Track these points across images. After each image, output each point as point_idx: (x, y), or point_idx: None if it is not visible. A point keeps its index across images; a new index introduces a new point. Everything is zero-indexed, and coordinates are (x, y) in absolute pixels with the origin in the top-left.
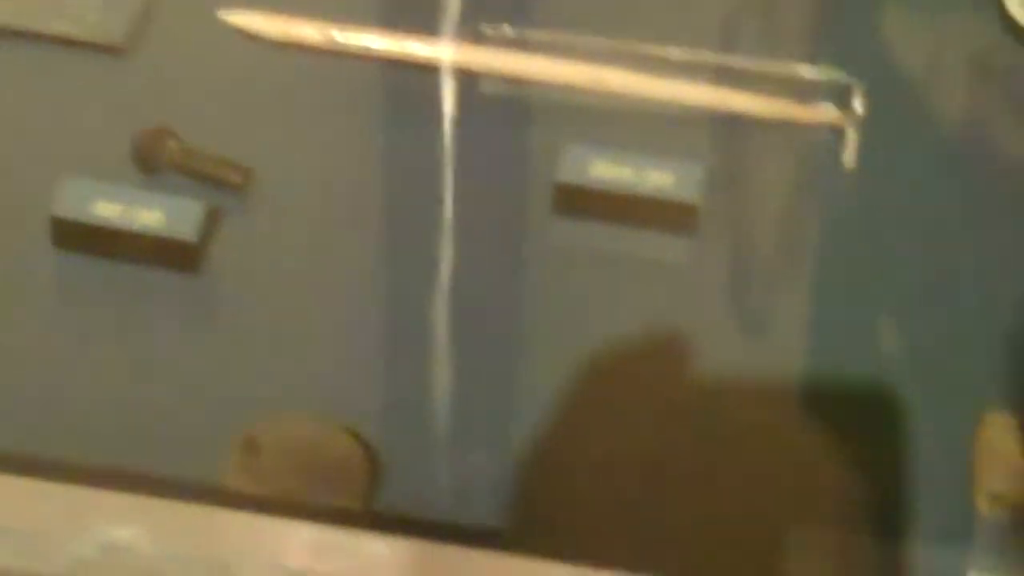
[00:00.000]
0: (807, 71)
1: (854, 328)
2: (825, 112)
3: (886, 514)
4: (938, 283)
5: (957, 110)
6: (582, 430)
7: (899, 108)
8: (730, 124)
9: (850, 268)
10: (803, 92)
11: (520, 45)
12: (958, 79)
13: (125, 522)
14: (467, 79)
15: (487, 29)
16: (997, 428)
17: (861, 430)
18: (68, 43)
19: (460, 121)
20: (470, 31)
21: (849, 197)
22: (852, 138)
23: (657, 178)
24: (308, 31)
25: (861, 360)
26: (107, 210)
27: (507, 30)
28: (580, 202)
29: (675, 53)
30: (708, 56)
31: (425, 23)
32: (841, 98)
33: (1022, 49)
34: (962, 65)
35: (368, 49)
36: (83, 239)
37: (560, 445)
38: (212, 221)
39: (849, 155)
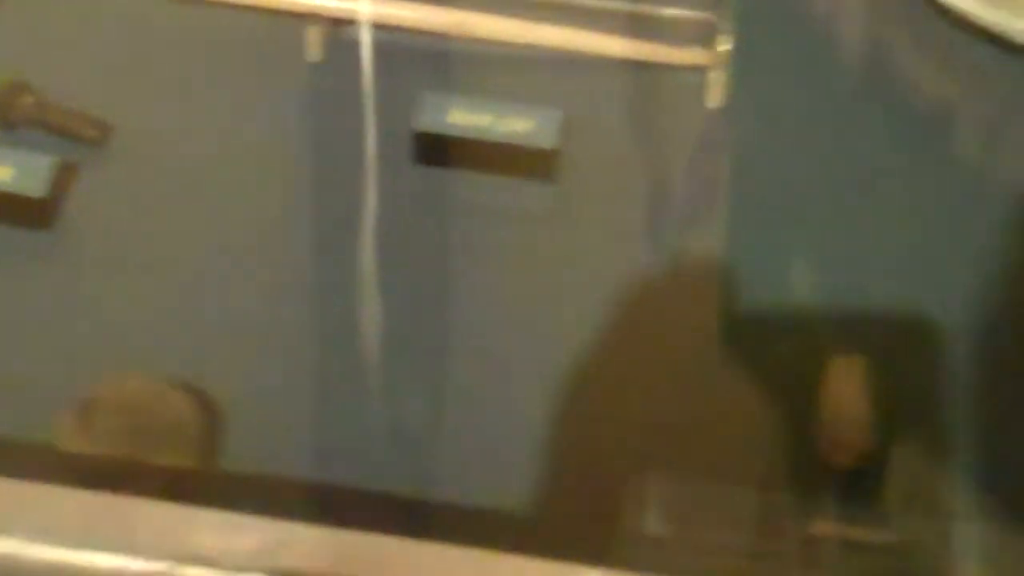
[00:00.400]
0: (673, 11)
1: (711, 272)
2: (691, 53)
3: (735, 462)
4: (796, 225)
5: (827, 47)
6: (439, 382)
7: (768, 47)
8: (594, 68)
9: (708, 214)
10: (670, 33)
11: None
12: (830, 18)
13: None
14: (333, 27)
15: None
16: (842, 373)
17: (714, 377)
18: None
19: (323, 70)
20: None
21: (713, 137)
22: (716, 78)
23: (516, 124)
24: None
25: (717, 305)
26: None
27: None
28: (439, 150)
29: None
30: None
31: None
32: (708, 38)
33: None
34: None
35: None
36: None
37: (420, 399)
38: (64, 176)
39: (713, 95)
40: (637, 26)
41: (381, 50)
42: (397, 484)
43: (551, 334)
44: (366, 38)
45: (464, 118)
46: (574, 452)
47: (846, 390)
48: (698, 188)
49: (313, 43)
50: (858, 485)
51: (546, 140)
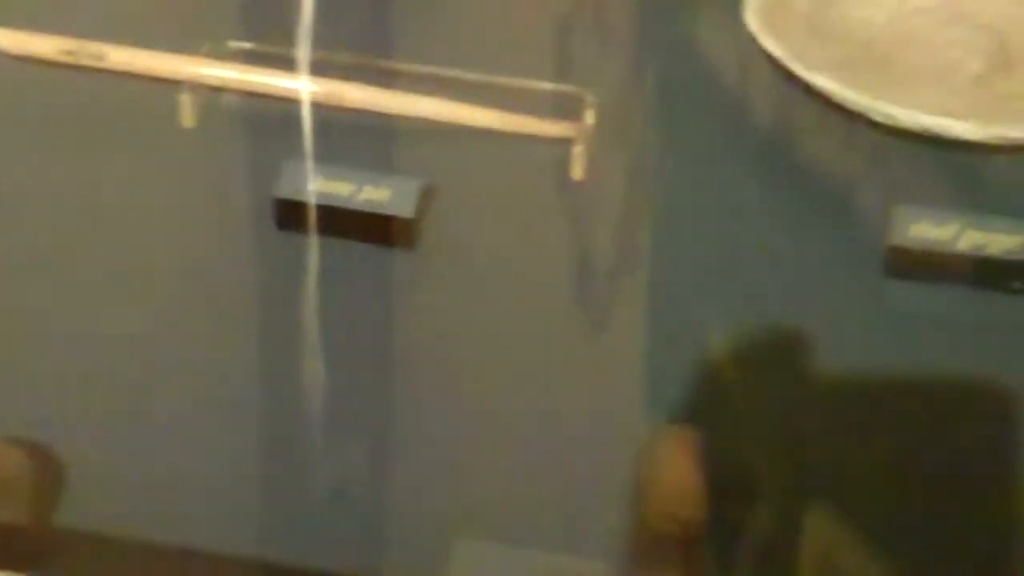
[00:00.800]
0: (543, 85)
1: (567, 339)
2: (557, 126)
3: (554, 528)
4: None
5: (692, 121)
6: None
7: (635, 120)
8: (462, 138)
9: (567, 281)
10: (541, 106)
11: (264, 60)
12: (697, 89)
13: None
14: (209, 93)
15: (232, 45)
16: (668, 444)
17: (537, 447)
18: None
19: (194, 136)
20: (215, 47)
21: (577, 208)
22: (581, 150)
23: (374, 193)
24: (47, 45)
25: (555, 373)
26: None
27: (250, 46)
28: (300, 217)
29: (412, 68)
30: (443, 70)
31: (171, 39)
32: (576, 111)
33: (759, 58)
34: (701, 76)
35: (110, 63)
36: None
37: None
38: None
39: (578, 167)
40: (505, 98)
41: (254, 117)
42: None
43: (409, 400)
44: (235, 105)
45: (324, 186)
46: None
47: (673, 460)
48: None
49: (186, 109)
50: (688, 557)
51: (404, 209)
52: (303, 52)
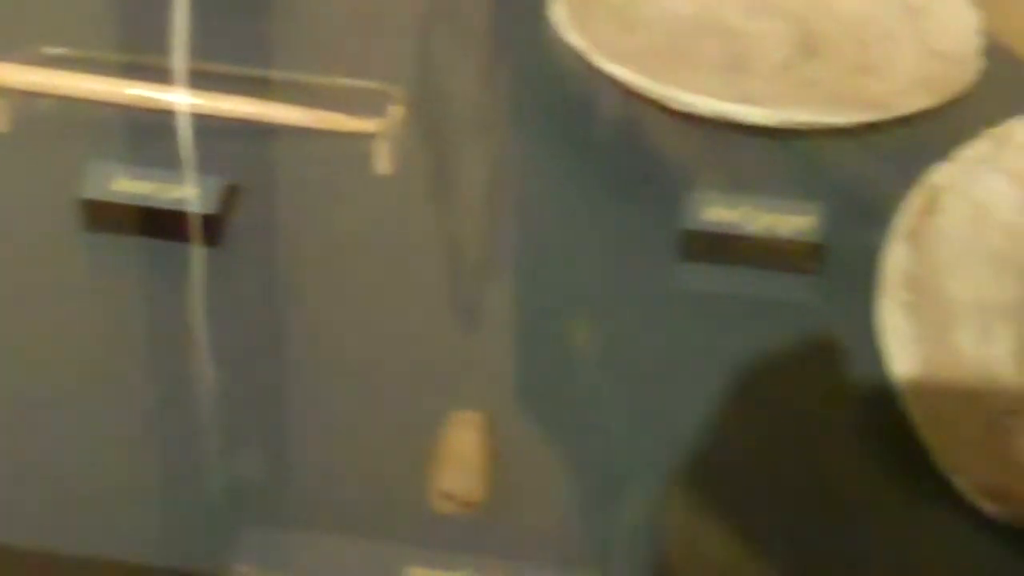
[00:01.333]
0: (349, 82)
1: (369, 330)
2: (362, 121)
3: (342, 510)
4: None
5: (499, 112)
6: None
7: (442, 116)
8: (269, 136)
9: (371, 273)
10: (349, 103)
11: (77, 65)
12: (505, 82)
13: None
14: (22, 99)
15: (45, 51)
16: (460, 425)
17: (334, 437)
18: None
19: (5, 141)
20: (29, 53)
21: (384, 203)
22: (384, 144)
23: (178, 191)
24: None
25: (356, 364)
26: None
27: (64, 52)
28: (106, 217)
29: (220, 68)
30: (252, 70)
31: None
32: (381, 107)
33: (567, 50)
34: (510, 68)
35: None
36: None
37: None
38: None
39: (383, 161)
40: (311, 95)
41: (66, 121)
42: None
43: (214, 392)
44: (47, 110)
45: (128, 185)
46: None
47: (462, 441)
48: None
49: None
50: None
51: (208, 206)
52: (114, 56)
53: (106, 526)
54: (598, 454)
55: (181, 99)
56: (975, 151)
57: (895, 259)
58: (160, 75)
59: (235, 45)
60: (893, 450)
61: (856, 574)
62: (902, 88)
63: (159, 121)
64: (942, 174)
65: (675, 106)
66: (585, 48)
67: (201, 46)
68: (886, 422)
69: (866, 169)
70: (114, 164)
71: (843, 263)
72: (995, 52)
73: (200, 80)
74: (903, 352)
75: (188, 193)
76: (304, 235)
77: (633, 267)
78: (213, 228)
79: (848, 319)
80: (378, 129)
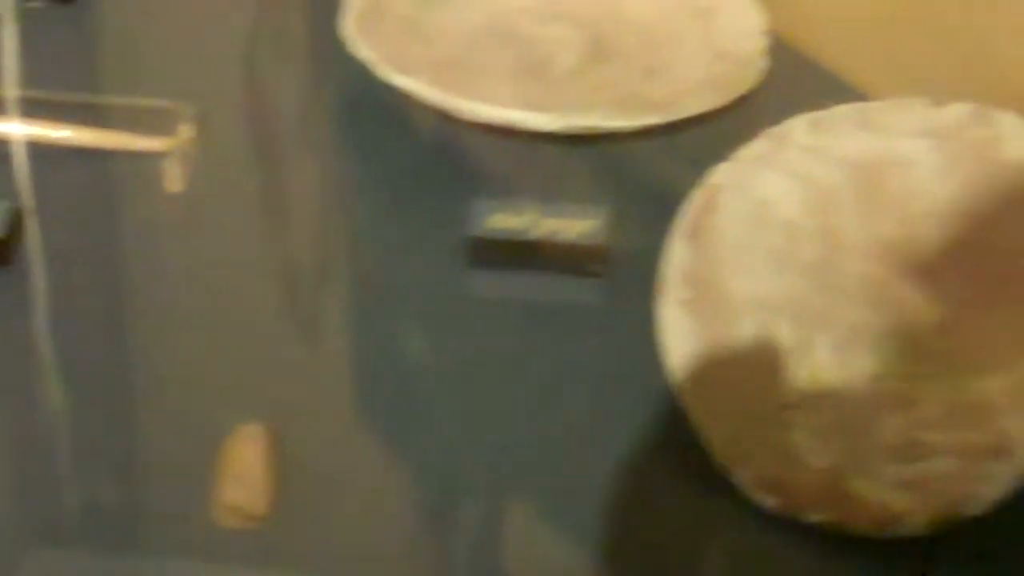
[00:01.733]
0: (136, 101)
1: (160, 348)
2: (154, 141)
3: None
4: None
5: (293, 127)
6: None
7: (234, 133)
8: (59, 158)
9: (162, 291)
10: (144, 123)
11: None
12: (300, 97)
13: None
14: None
15: None
16: (244, 439)
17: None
18: None
19: None
20: None
21: (178, 218)
22: (174, 162)
23: None
24: None
25: (147, 382)
26: None
27: None
28: None
29: (10, 92)
30: (42, 93)
31: None
32: (174, 126)
33: (358, 73)
34: (305, 84)
35: None
36: None
37: None
38: None
39: (173, 179)
40: (106, 117)
41: None
42: None
43: (8, 408)
44: None
45: None
46: None
47: (245, 454)
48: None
49: None
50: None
51: None
52: None
53: None
54: (385, 464)
55: None
56: (754, 150)
57: (675, 258)
58: None
59: (32, 69)
60: (675, 446)
61: (638, 568)
62: (688, 89)
63: None
64: (721, 174)
65: (464, 115)
66: (373, 61)
67: None
68: (667, 419)
69: (652, 171)
70: None
71: (629, 264)
72: (780, 51)
73: None
74: (681, 349)
75: None
76: (92, 254)
77: (423, 275)
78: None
79: (633, 319)
80: (167, 148)
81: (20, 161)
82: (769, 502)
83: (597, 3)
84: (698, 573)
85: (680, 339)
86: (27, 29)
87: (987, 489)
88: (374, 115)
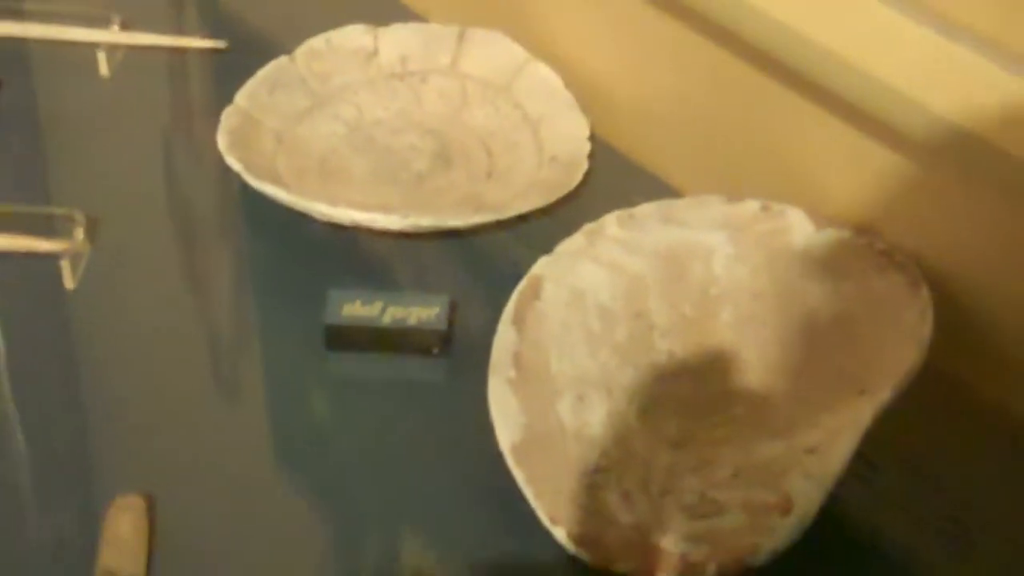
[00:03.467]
0: (42, 209)
1: (41, 425)
2: (50, 242)
3: None
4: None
5: (172, 232)
6: None
7: (129, 236)
8: None
9: (51, 375)
10: (41, 227)
11: None
12: (179, 204)
13: None
14: None
15: None
16: (122, 509)
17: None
18: None
19: None
20: None
21: (74, 318)
22: (68, 263)
23: None
24: None
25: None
26: None
27: None
28: None
29: None
30: None
31: None
32: (67, 229)
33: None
34: (183, 191)
35: None
36: None
37: None
38: None
39: (68, 278)
40: (9, 223)
41: None
42: None
43: None
44: None
45: None
46: None
47: (123, 523)
48: None
49: None
50: None
51: None
52: None
53: None
54: (254, 535)
55: None
56: (573, 244)
57: (502, 341)
58: None
59: None
60: (506, 506)
61: None
62: (519, 192)
63: None
64: (543, 265)
65: (320, 217)
66: (240, 170)
67: None
68: (499, 481)
69: (487, 263)
70: None
71: (466, 346)
72: (603, 153)
73: None
74: (507, 423)
75: None
76: None
77: (287, 357)
78: None
79: (469, 394)
80: (63, 249)
81: None
82: (585, 555)
83: (445, 116)
84: None
85: (507, 413)
86: None
87: (770, 542)
88: (246, 218)
